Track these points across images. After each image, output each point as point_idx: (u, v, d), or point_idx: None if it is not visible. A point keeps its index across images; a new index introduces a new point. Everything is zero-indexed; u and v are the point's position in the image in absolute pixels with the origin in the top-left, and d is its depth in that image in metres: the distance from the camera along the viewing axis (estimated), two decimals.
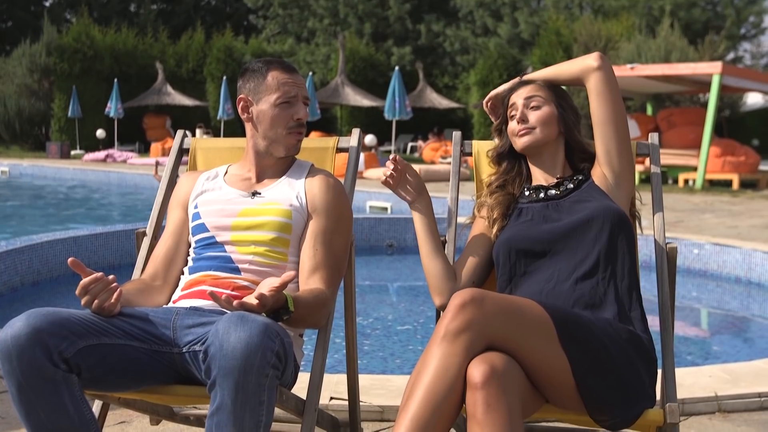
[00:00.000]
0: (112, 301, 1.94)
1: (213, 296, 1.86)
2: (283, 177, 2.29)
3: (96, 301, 1.93)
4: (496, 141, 2.42)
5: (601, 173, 2.24)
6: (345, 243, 2.25)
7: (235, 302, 1.86)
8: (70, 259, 1.91)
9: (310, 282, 2.15)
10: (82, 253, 6.28)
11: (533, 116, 2.26)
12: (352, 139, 2.55)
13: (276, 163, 2.30)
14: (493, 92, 2.41)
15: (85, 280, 1.92)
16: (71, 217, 11.99)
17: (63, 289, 5.98)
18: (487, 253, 2.26)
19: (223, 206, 2.24)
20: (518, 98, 2.29)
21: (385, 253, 7.98)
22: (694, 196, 13.36)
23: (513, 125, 2.30)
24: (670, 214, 9.99)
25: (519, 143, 2.29)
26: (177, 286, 2.25)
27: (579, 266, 2.08)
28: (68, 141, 27.28)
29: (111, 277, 1.95)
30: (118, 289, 1.96)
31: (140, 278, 2.29)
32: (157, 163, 12.73)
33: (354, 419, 2.56)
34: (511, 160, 2.37)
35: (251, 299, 1.88)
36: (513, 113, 2.30)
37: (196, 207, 2.28)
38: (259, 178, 2.30)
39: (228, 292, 2.11)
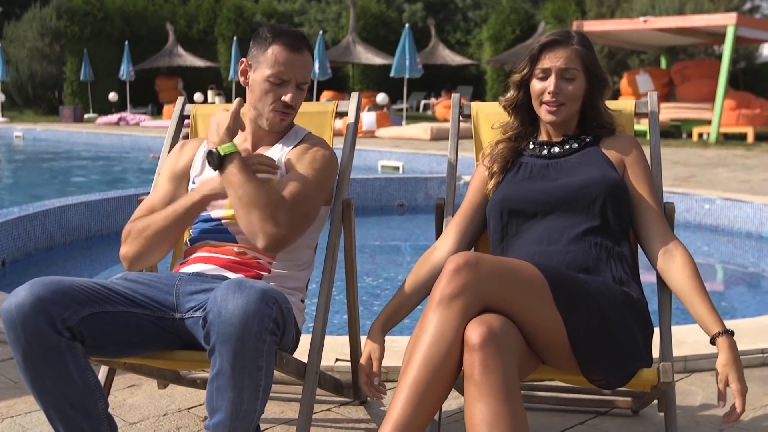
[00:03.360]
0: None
1: None
2: (276, 144, 2.26)
3: None
4: (512, 93, 2.28)
5: (623, 167, 2.18)
6: (316, 199, 2.14)
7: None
8: None
9: None
10: (94, 218, 6.33)
11: (567, 90, 2.15)
12: (351, 104, 2.54)
13: (269, 132, 2.26)
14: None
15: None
16: (84, 181, 12.06)
17: (76, 254, 6.04)
18: (484, 208, 2.25)
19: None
20: (553, 63, 2.14)
21: (396, 212, 7.99)
22: (707, 150, 13.26)
23: (539, 88, 2.18)
24: (683, 169, 9.94)
25: (546, 117, 2.20)
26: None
27: (570, 229, 2.08)
28: (81, 105, 27.36)
29: None
30: None
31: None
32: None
33: (357, 381, 2.59)
34: (526, 111, 2.29)
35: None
36: (542, 76, 2.17)
37: (194, 183, 2.27)
38: (255, 147, 2.27)
39: (227, 257, 2.14)
